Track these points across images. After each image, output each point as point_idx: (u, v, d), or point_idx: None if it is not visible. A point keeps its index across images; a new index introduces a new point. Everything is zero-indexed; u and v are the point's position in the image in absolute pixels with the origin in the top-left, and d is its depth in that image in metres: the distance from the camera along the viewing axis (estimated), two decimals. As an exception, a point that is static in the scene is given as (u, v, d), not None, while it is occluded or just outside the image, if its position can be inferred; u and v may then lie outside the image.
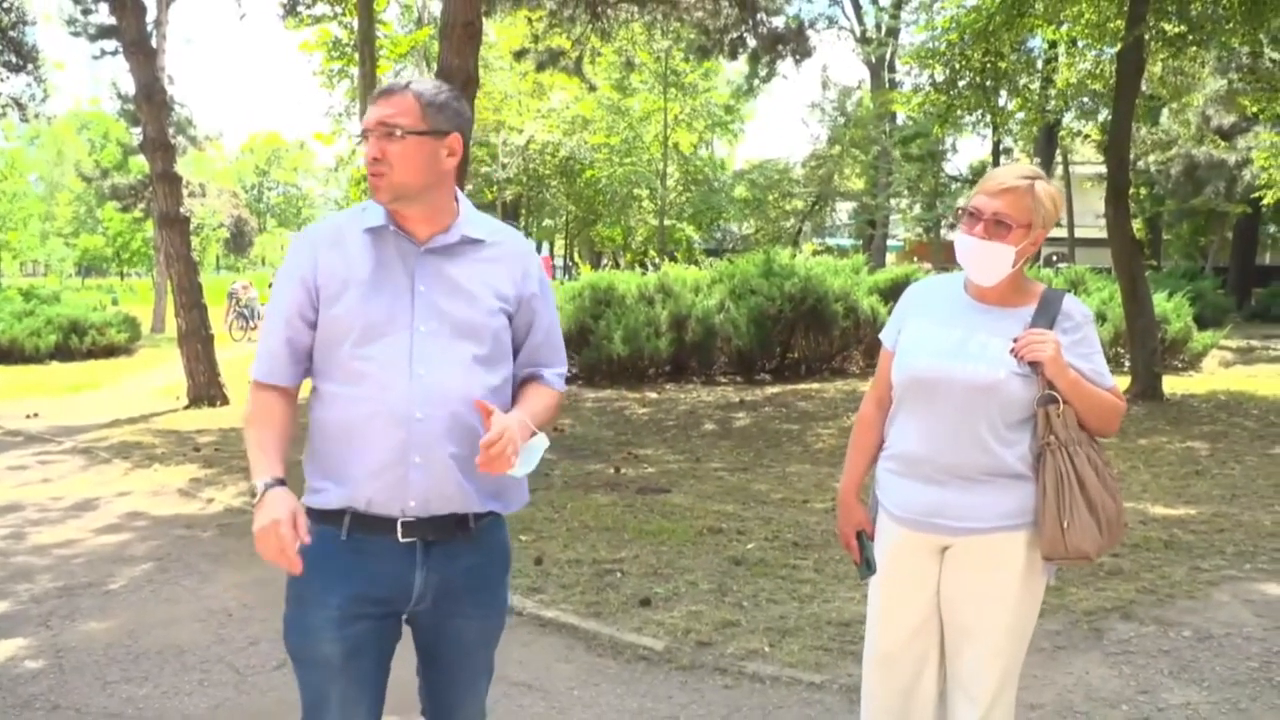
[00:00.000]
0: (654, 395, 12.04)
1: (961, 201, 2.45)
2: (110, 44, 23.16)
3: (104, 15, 22.39)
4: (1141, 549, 5.35)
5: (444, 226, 2.10)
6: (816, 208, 34.44)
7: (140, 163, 40.63)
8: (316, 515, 2.08)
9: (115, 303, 26.64)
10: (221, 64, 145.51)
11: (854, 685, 3.69)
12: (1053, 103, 15.90)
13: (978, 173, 36.88)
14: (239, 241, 51.20)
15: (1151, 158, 23.41)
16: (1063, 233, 37.00)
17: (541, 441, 2.03)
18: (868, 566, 2.55)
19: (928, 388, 2.40)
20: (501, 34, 23.37)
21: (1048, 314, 2.37)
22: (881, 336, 2.61)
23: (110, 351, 18.68)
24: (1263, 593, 4.68)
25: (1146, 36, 10.75)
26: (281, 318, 2.10)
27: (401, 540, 2.05)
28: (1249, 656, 3.93)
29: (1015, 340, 2.32)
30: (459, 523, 2.10)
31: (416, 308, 2.05)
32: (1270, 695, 3.60)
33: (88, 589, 5.08)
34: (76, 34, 22.30)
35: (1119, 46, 10.99)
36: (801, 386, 12.43)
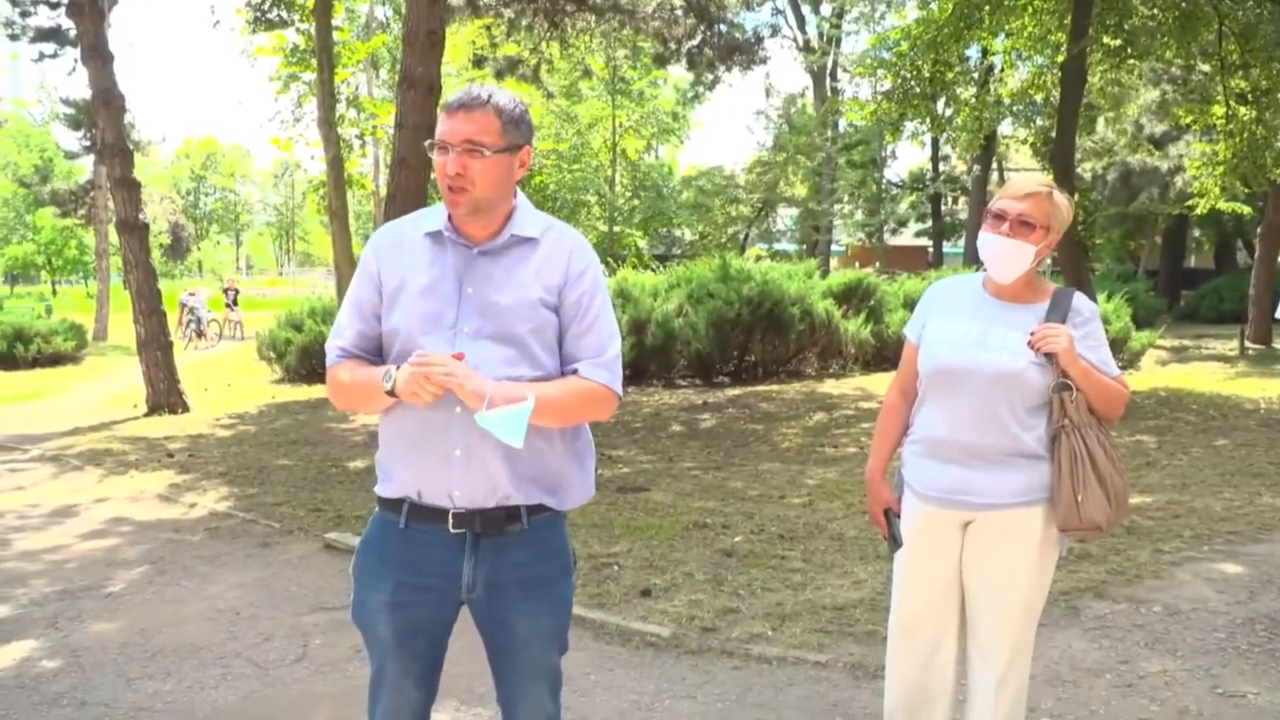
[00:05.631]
0: (617, 398, 12.20)
1: (991, 204, 2.68)
2: (49, 47, 22.77)
3: (43, 18, 22.02)
4: (1106, 535, 5.64)
5: (498, 229, 2.15)
6: (762, 213, 34.89)
7: (75, 167, 39.77)
8: (381, 503, 2.23)
9: (49, 311, 26.05)
10: (155, 67, 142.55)
11: (857, 663, 3.93)
12: (990, 111, 16.41)
13: (917, 178, 37.70)
14: (176, 248, 50.34)
15: (1088, 165, 24.24)
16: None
17: (525, 407, 1.98)
18: (895, 541, 2.76)
19: (953, 377, 2.62)
20: (450, 40, 23.35)
21: (1060, 309, 2.61)
22: (905, 331, 2.84)
23: (56, 360, 18.34)
24: (1221, 571, 5.01)
25: (1088, 49, 11.20)
26: (356, 312, 2.22)
27: (452, 531, 2.13)
28: (1215, 628, 4.24)
29: (1032, 333, 2.55)
30: (509, 516, 2.14)
31: (461, 309, 2.11)
32: (1238, 662, 3.89)
33: (87, 592, 5.11)
34: (15, 37, 21.86)
35: (1061, 58, 11.45)
36: (761, 388, 12.69)
